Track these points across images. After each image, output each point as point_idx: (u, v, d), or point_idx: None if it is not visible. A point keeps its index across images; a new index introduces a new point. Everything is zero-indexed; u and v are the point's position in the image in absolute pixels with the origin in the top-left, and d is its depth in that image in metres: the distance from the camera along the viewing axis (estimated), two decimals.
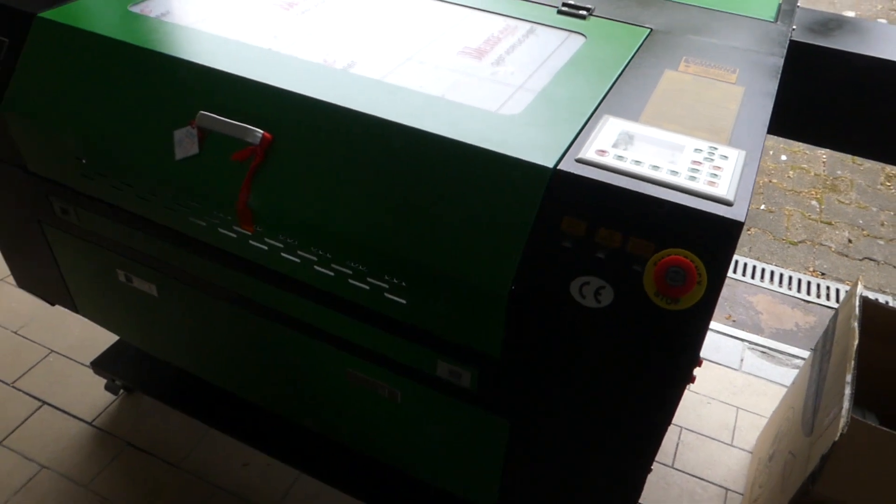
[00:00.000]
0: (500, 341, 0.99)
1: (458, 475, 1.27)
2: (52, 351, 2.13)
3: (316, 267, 1.08)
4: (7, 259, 1.63)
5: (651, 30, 1.28)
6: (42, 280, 1.60)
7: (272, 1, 1.37)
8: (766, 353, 2.33)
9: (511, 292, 0.92)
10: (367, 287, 1.05)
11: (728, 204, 0.87)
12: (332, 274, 1.07)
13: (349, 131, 1.02)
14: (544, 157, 0.93)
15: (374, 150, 1.01)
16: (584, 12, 1.32)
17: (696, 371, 0.93)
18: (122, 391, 2.00)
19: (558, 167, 0.91)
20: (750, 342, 2.36)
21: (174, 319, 1.42)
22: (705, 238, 0.85)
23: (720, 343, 2.33)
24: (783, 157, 3.44)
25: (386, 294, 1.04)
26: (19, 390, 2.01)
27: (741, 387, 2.19)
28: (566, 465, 1.12)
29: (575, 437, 1.07)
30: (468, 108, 1.03)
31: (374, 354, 1.15)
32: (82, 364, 2.09)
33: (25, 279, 1.65)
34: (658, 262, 0.86)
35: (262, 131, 1.04)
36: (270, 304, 1.21)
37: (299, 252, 1.08)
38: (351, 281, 1.06)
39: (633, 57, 1.18)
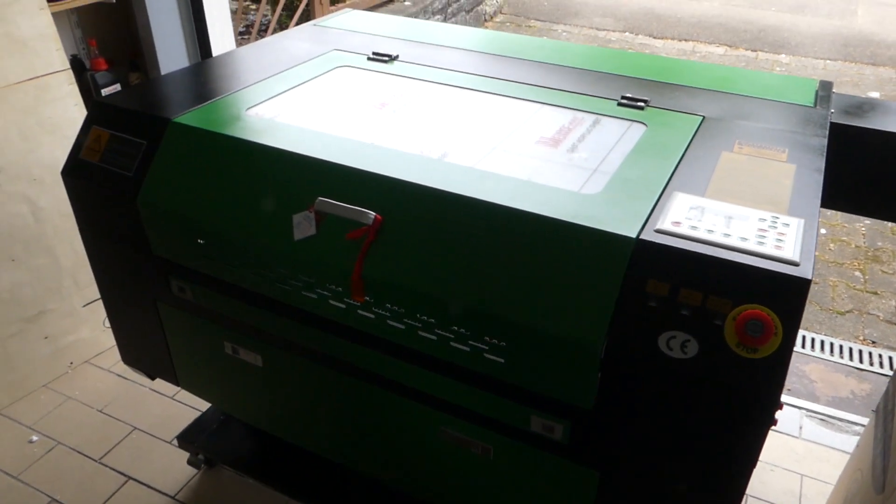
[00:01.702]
0: (592, 393, 1.09)
1: None
2: (136, 428, 2.25)
3: (420, 332, 1.21)
4: (116, 336, 1.78)
5: (704, 117, 1.44)
6: (147, 355, 1.75)
7: (367, 102, 1.57)
8: (825, 420, 2.35)
9: (604, 346, 1.04)
10: (468, 349, 1.17)
11: (795, 264, 0.99)
12: (434, 338, 1.20)
13: (450, 211, 1.17)
14: (628, 229, 1.06)
15: (472, 227, 1.15)
16: (642, 104, 1.49)
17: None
18: (203, 466, 2.09)
19: (641, 236, 1.05)
20: (807, 410, 2.39)
21: (276, 387, 1.54)
22: (778, 294, 0.97)
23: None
24: (822, 231, 3.54)
25: (486, 355, 1.16)
26: (106, 466, 2.11)
27: (803, 454, 2.21)
28: None
29: (663, 485, 1.14)
30: (554, 189, 1.19)
31: (468, 413, 1.26)
32: (163, 440, 2.20)
33: (130, 355, 1.80)
34: (738, 317, 0.98)
35: (374, 213, 1.19)
36: (371, 368, 1.33)
37: (405, 319, 1.21)
38: (453, 344, 1.18)
39: (691, 141, 1.34)
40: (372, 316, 1.24)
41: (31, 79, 2.20)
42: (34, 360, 2.37)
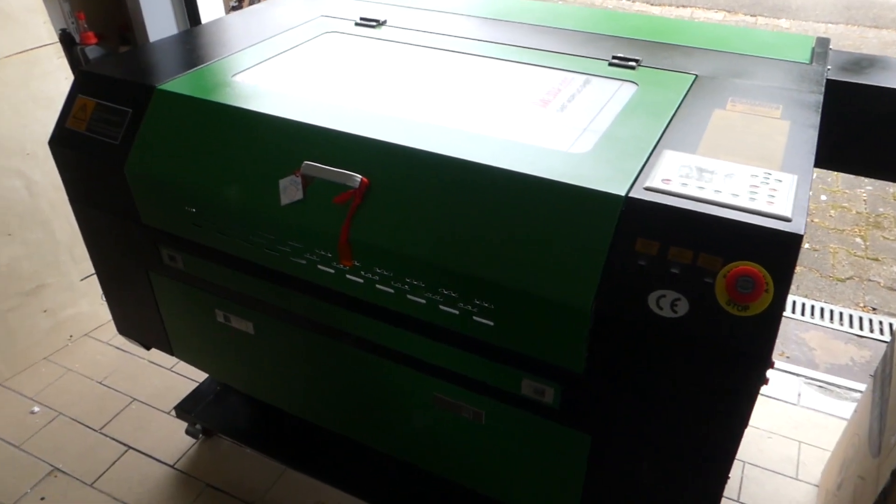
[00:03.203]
0: (582, 356, 1.08)
1: (539, 494, 1.34)
2: (135, 399, 2.26)
3: (409, 296, 1.20)
4: (111, 306, 1.78)
5: (696, 76, 1.41)
6: (141, 325, 1.75)
7: (353, 67, 1.54)
8: (824, 387, 2.35)
9: (593, 306, 1.02)
10: (457, 312, 1.16)
11: (787, 220, 0.97)
12: (423, 301, 1.19)
13: (436, 173, 1.15)
14: (616, 187, 1.04)
15: (459, 188, 1.14)
16: (634, 63, 1.46)
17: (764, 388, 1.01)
18: (201, 435, 2.11)
19: (629, 195, 1.03)
20: (806, 377, 2.39)
21: (267, 355, 1.54)
22: (769, 250, 0.95)
23: (776, 379, 2.36)
24: (823, 197, 3.51)
25: (475, 318, 1.15)
26: (106, 436, 2.13)
27: (801, 421, 2.21)
28: (646, 477, 1.19)
29: (655, 448, 1.14)
30: (543, 148, 1.16)
31: (460, 377, 1.25)
32: (162, 411, 2.21)
33: (125, 325, 1.80)
34: (728, 274, 0.96)
35: (360, 176, 1.18)
36: (362, 334, 1.32)
37: (393, 283, 1.20)
38: (442, 307, 1.17)
39: (683, 99, 1.31)
40: (360, 280, 1.23)
41: (19, 52, 2.18)
42: (34, 334, 2.38)
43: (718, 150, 1.15)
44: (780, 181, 1.05)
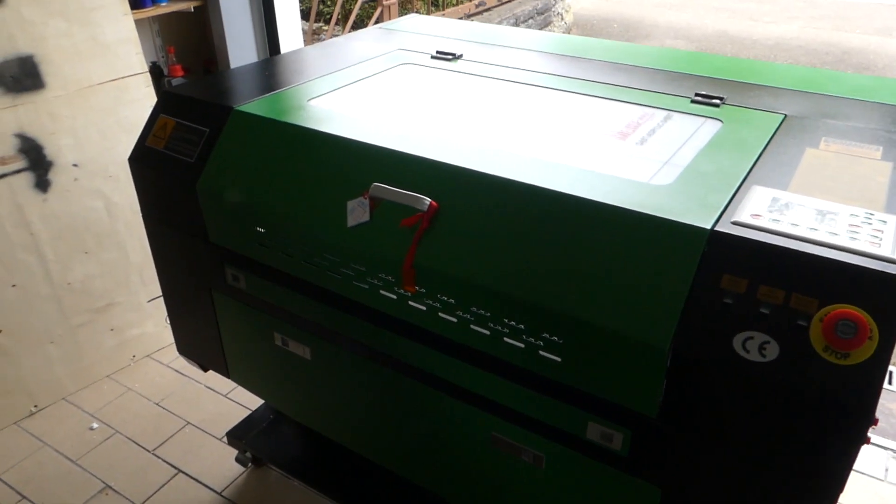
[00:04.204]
0: (657, 399, 1.00)
1: None
2: (189, 423, 2.26)
3: (472, 326, 1.15)
4: (173, 325, 1.80)
5: (785, 115, 1.34)
6: (201, 346, 1.75)
7: (428, 96, 1.54)
8: None
9: (671, 345, 0.95)
10: (523, 345, 1.10)
11: (893, 262, 0.88)
12: (487, 333, 1.13)
13: (508, 199, 1.11)
14: (700, 220, 0.98)
15: (531, 216, 1.09)
16: (718, 101, 1.40)
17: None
18: (250, 464, 2.08)
19: (715, 228, 0.96)
20: (895, 451, 2.19)
21: (321, 382, 1.51)
22: (874, 294, 0.86)
23: (862, 452, 2.16)
24: None
25: (541, 352, 1.08)
26: (159, 457, 2.13)
27: (888, 498, 2.01)
28: None
29: None
30: (621, 178, 1.11)
31: (521, 417, 1.18)
32: (215, 437, 2.20)
33: (185, 345, 1.81)
34: (825, 318, 0.88)
35: (429, 199, 1.15)
36: (420, 365, 1.28)
37: (457, 312, 1.15)
38: (506, 340, 1.12)
39: (772, 137, 1.24)
40: (423, 308, 1.19)
41: (112, 80, 2.29)
42: (100, 350, 2.44)
43: (813, 189, 1.07)
44: (885, 222, 0.97)
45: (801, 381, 0.89)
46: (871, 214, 0.99)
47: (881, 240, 0.93)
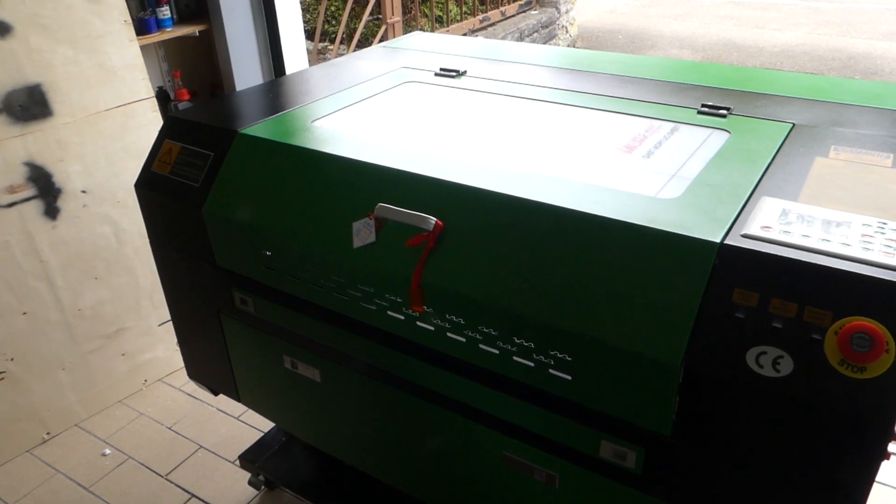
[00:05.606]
0: (670, 416, 0.98)
1: None
2: (201, 446, 2.26)
3: (481, 346, 1.13)
4: (182, 350, 1.80)
5: (793, 124, 1.32)
6: (210, 370, 1.75)
7: (433, 114, 1.54)
8: None
9: (683, 361, 0.93)
10: (532, 364, 1.09)
11: None
12: (496, 352, 1.12)
13: (514, 217, 1.11)
14: (710, 233, 0.97)
15: (538, 233, 1.08)
16: (724, 111, 1.39)
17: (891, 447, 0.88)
18: (263, 487, 2.06)
19: (725, 241, 0.95)
20: None
21: (331, 404, 1.49)
22: (890, 306, 0.84)
23: (884, 463, 2.12)
24: None
25: (551, 370, 1.07)
26: (171, 482, 2.12)
27: None
28: None
29: None
30: (628, 193, 1.10)
31: (533, 436, 1.17)
32: (227, 460, 2.19)
33: (195, 369, 1.81)
34: (840, 330, 0.86)
35: (434, 219, 1.14)
36: (429, 385, 1.26)
37: (465, 331, 1.14)
38: (516, 359, 1.10)
39: (780, 147, 1.23)
40: (431, 328, 1.18)
41: (119, 106, 2.31)
42: (112, 376, 2.44)
43: (823, 199, 1.05)
44: None
45: (817, 397, 0.87)
46: (885, 224, 0.97)
47: (895, 249, 0.91)
